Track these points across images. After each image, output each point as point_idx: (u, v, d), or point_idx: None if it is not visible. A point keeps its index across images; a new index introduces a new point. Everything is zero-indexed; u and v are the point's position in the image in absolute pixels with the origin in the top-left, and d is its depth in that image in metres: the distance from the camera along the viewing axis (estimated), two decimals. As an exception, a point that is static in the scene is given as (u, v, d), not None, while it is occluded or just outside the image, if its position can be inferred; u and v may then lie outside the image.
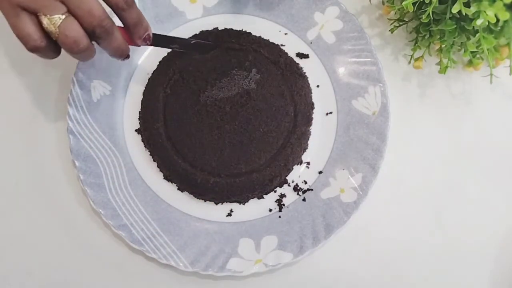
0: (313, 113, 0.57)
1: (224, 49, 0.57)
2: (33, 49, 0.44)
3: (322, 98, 0.57)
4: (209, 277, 0.52)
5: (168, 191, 0.55)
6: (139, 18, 0.47)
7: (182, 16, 0.60)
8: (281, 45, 0.59)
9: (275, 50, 0.58)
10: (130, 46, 0.49)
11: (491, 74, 0.53)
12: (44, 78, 0.59)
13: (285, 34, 0.59)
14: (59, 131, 0.57)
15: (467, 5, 0.48)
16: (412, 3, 0.51)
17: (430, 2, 0.50)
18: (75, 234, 0.55)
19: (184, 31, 0.59)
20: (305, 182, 0.55)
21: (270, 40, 0.59)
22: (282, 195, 0.55)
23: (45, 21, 0.43)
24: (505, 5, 0.48)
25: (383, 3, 0.58)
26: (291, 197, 0.55)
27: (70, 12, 0.43)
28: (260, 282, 0.53)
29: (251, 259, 0.52)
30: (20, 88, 0.58)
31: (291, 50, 0.59)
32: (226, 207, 0.55)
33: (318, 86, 0.58)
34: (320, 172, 0.55)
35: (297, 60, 0.58)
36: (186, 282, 0.53)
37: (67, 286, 0.54)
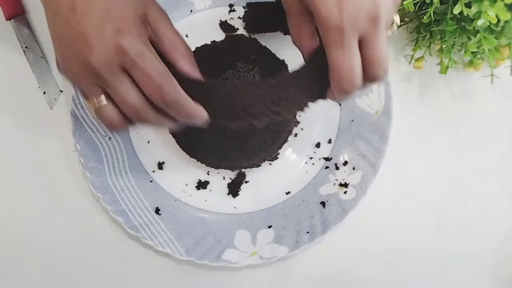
0: (316, 109, 0.57)
1: (231, 41, 0.57)
2: None
3: (326, 95, 0.57)
4: (204, 266, 0.52)
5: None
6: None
7: (190, 5, 0.60)
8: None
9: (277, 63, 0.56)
10: None
11: (492, 74, 0.53)
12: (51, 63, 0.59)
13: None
14: (62, 116, 0.57)
15: (468, 5, 0.48)
16: (413, 3, 0.51)
17: (432, 3, 0.50)
18: (73, 218, 0.55)
19: (192, 21, 0.59)
20: (305, 177, 0.55)
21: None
22: (281, 189, 0.55)
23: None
24: (506, 5, 0.48)
25: (383, 3, 0.58)
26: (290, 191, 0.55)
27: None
28: (255, 274, 0.53)
29: (247, 251, 0.52)
30: (25, 71, 0.59)
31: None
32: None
33: (322, 82, 0.58)
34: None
35: (303, 55, 0.58)
36: (181, 271, 0.54)
37: (59, 268, 0.54)
